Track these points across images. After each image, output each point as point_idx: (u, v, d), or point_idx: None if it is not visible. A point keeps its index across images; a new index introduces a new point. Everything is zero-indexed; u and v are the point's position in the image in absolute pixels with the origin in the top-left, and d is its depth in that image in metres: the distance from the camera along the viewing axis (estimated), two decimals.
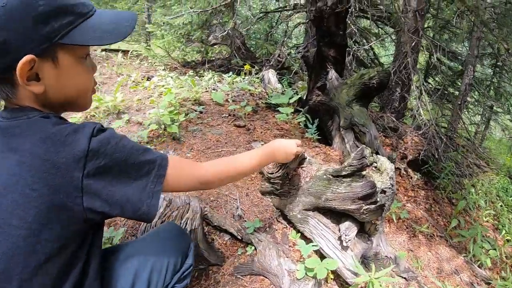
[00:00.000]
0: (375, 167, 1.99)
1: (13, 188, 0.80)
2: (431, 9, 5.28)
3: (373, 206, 1.79)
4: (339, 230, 1.97)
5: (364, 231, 2.09)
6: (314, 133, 2.94)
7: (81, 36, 0.90)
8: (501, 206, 4.51)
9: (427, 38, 4.20)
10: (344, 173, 1.93)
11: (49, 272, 0.85)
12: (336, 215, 2.06)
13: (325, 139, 3.08)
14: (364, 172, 1.91)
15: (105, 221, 1.30)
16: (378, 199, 1.79)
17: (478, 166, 4.91)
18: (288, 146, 1.65)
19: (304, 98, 3.46)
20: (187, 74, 4.97)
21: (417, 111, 4.08)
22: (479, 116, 7.08)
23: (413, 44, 4.08)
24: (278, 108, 3.03)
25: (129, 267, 1.13)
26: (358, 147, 2.77)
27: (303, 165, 2.20)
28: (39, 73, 0.87)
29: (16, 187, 0.80)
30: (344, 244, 1.90)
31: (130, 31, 1.00)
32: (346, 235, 1.90)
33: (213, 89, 4.14)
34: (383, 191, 1.89)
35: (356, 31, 4.43)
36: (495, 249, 3.36)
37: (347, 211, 1.90)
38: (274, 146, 1.57)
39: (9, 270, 0.81)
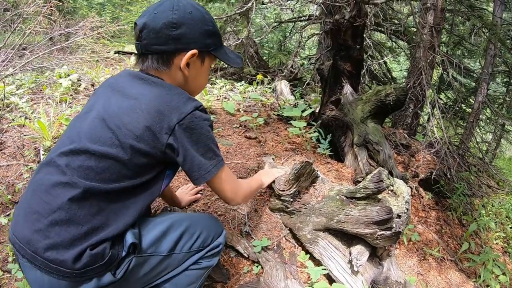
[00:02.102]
0: (391, 190, 1.89)
1: (133, 111, 1.19)
2: (446, 25, 5.18)
3: (388, 232, 1.70)
4: (350, 253, 1.88)
5: (376, 255, 2.00)
6: (327, 149, 2.84)
7: (221, 54, 1.39)
8: (511, 228, 4.38)
9: (443, 55, 4.09)
10: (358, 195, 1.84)
11: (126, 185, 1.19)
12: (348, 237, 1.96)
13: (337, 155, 2.99)
14: (379, 196, 1.82)
15: None
16: (394, 225, 1.69)
17: (489, 186, 4.77)
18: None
19: (317, 111, 3.37)
20: None
21: (430, 128, 3.98)
22: (490, 134, 6.93)
23: (429, 60, 3.98)
24: (291, 122, 2.94)
25: (165, 222, 1.35)
26: (372, 166, 2.69)
27: (315, 184, 2.12)
28: (191, 64, 1.31)
29: (137, 111, 1.18)
30: (355, 269, 1.81)
31: (242, 64, 1.49)
32: (357, 260, 1.81)
33: (225, 98, 4.07)
34: (398, 216, 1.79)
35: (371, 44, 4.34)
36: (505, 274, 3.24)
37: (360, 235, 1.81)
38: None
39: (104, 171, 1.16)
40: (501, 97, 6.42)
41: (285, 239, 2.15)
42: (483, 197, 4.39)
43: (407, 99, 2.88)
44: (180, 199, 2.10)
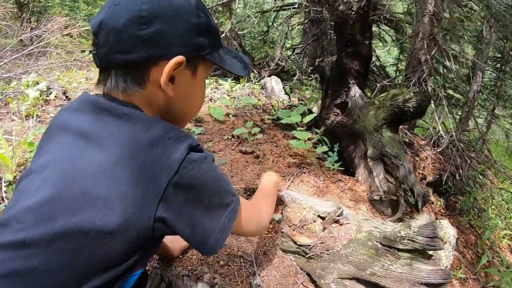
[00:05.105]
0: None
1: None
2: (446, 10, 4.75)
3: None
4: None
5: None
6: (336, 162, 2.39)
7: (220, 59, 0.90)
8: None
9: (445, 45, 3.67)
10: (400, 246, 1.40)
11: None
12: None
13: (345, 165, 2.54)
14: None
15: None
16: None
17: (486, 176, 4.45)
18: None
19: (318, 115, 2.90)
20: None
21: (433, 125, 3.59)
22: (480, 120, 6.64)
23: (433, 52, 3.56)
24: (294, 133, 2.47)
25: None
26: (390, 182, 2.26)
27: (339, 223, 1.67)
28: (176, 77, 0.84)
29: (103, 169, 0.73)
30: None
31: (251, 72, 1.03)
32: None
33: (210, 100, 3.56)
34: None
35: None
36: None
37: None
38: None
39: (56, 272, 0.69)
40: (491, 84, 6.10)
41: (303, 285, 1.72)
42: (483, 189, 4.08)
43: (433, 106, 2.44)
44: (171, 248, 1.63)
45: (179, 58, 0.80)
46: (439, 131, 3.44)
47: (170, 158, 0.75)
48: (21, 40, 4.30)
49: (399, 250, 1.41)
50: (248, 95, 3.81)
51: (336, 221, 1.64)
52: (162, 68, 0.79)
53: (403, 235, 1.38)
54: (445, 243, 1.46)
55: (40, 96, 3.22)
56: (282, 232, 1.77)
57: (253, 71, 1.01)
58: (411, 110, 2.20)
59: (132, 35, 0.76)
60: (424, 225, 1.32)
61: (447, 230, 1.47)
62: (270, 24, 6.06)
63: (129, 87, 0.81)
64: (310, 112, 3.00)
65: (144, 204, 0.73)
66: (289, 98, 3.63)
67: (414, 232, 1.34)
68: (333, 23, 2.48)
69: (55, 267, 0.69)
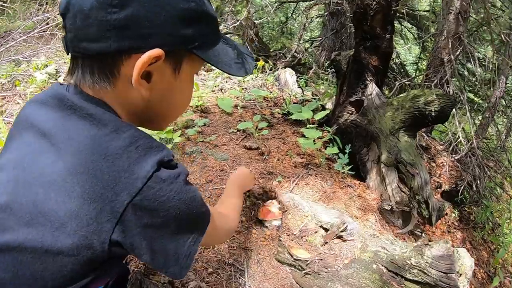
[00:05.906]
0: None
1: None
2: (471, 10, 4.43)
3: None
4: None
5: None
6: (346, 165, 2.17)
7: (211, 54, 0.72)
8: None
9: (471, 46, 3.39)
10: (409, 276, 1.18)
11: None
12: None
13: (356, 169, 2.32)
14: None
15: None
16: None
17: (504, 189, 4.17)
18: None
19: (331, 112, 2.67)
20: None
21: (453, 130, 3.33)
22: (499, 127, 6.27)
23: (457, 52, 3.28)
24: (303, 131, 2.25)
25: None
26: (403, 192, 2.03)
27: (342, 238, 1.46)
28: (154, 74, 0.67)
29: (55, 179, 0.61)
30: None
31: (250, 73, 0.82)
32: None
33: (221, 89, 3.35)
34: None
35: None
36: None
37: None
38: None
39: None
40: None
41: None
42: (500, 202, 3.82)
43: (454, 110, 2.19)
44: None
45: (155, 52, 0.63)
46: (459, 137, 3.18)
47: (134, 174, 0.61)
48: (34, 22, 4.16)
49: (406, 279, 1.20)
50: (261, 86, 3.59)
51: (339, 237, 1.44)
52: (134, 62, 0.63)
53: (413, 264, 1.17)
54: (460, 275, 1.24)
55: (48, 79, 3.08)
56: (280, 241, 1.57)
57: (254, 68, 0.84)
58: (433, 114, 1.95)
59: (100, 20, 0.60)
60: (439, 257, 1.10)
61: (464, 260, 1.24)
62: (289, 15, 5.80)
63: (97, 82, 0.66)
64: (323, 108, 2.77)
65: (98, 226, 0.60)
66: (303, 92, 3.40)
67: (427, 263, 1.12)
68: (352, 15, 2.23)
69: (1, 280, 0.60)
